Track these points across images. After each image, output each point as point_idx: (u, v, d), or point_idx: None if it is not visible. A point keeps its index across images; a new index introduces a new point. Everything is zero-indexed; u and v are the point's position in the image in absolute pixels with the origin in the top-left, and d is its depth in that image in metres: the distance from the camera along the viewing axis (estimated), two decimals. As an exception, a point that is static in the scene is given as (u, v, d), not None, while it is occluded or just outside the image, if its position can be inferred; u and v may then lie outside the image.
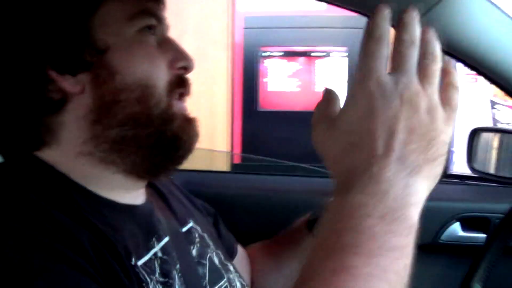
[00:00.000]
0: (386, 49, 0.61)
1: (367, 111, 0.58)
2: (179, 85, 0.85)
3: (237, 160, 4.66)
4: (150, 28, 0.82)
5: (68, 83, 0.76)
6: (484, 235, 1.61)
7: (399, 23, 0.66)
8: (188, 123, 0.87)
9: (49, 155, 0.79)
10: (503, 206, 1.40)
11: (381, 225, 0.54)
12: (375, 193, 0.56)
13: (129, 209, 0.85)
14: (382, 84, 0.58)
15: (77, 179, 0.79)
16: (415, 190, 0.57)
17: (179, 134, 0.84)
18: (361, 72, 0.60)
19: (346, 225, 0.55)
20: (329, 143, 0.62)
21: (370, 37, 0.63)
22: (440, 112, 0.59)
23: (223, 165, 3.62)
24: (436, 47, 0.64)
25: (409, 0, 1.11)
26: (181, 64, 0.85)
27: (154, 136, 0.81)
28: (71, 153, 0.79)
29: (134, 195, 0.88)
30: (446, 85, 0.63)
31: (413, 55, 0.61)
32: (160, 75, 0.81)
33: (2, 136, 0.82)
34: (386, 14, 0.66)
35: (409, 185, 0.57)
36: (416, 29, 0.64)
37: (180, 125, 0.84)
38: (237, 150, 4.71)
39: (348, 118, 0.60)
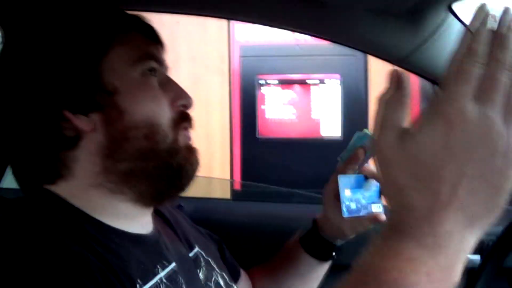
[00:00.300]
0: (480, 70, 0.52)
1: (443, 145, 0.52)
2: (183, 121, 0.92)
3: (237, 187, 4.68)
4: (152, 70, 0.90)
5: (81, 122, 0.83)
6: (478, 257, 1.59)
7: (493, 38, 0.53)
8: (191, 153, 0.93)
9: (62, 188, 0.85)
10: (497, 229, 1.41)
11: (424, 283, 0.51)
12: (429, 247, 0.52)
13: (137, 237, 0.90)
14: (466, 117, 0.51)
15: (87, 210, 0.84)
16: (468, 245, 0.53)
17: (183, 164, 0.90)
18: (446, 91, 0.53)
19: (389, 277, 0.51)
20: (393, 164, 0.56)
21: (467, 52, 0.53)
22: None
23: (223, 192, 3.63)
24: None
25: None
26: (181, 102, 0.92)
27: (161, 167, 0.87)
28: (83, 185, 0.85)
29: (142, 223, 0.93)
30: None
31: (505, 83, 0.52)
32: (163, 113, 0.88)
33: (20, 170, 0.88)
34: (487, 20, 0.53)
35: (464, 240, 0.52)
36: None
37: (184, 156, 0.91)
38: (237, 177, 4.72)
39: (420, 145, 0.54)
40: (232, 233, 1.75)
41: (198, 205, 1.84)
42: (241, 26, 4.77)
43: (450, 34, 1.21)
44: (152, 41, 0.93)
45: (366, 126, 3.74)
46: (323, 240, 1.20)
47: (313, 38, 1.38)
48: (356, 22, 1.23)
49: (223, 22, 4.74)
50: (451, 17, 1.19)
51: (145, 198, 0.89)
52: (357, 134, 1.13)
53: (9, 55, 0.85)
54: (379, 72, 4.61)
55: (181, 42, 4.84)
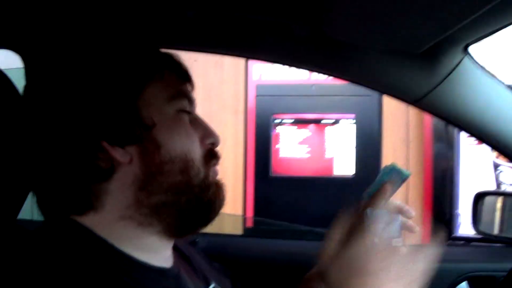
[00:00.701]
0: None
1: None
2: (212, 158, 0.95)
3: (249, 224, 4.67)
4: (184, 110, 0.93)
5: (118, 154, 0.84)
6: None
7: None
8: (220, 189, 0.96)
9: (89, 219, 0.86)
10: (508, 265, 1.44)
11: None
12: None
13: (160, 271, 0.91)
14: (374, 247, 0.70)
15: (113, 242, 0.85)
16: None
17: (213, 200, 0.93)
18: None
19: None
20: (330, 265, 0.80)
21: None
22: None
23: (236, 228, 3.63)
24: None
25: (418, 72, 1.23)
26: (210, 140, 0.96)
27: (193, 201, 0.90)
28: (112, 216, 0.86)
29: (164, 256, 0.95)
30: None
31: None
32: (196, 150, 0.91)
33: (48, 200, 0.89)
34: None
35: None
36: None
37: (214, 192, 0.94)
38: (250, 214, 4.72)
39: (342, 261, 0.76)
40: (245, 268, 1.76)
41: (211, 241, 1.85)
42: (257, 66, 4.81)
43: (466, 75, 1.23)
44: (183, 80, 0.97)
45: (378, 165, 3.72)
46: None
47: (328, 77, 1.40)
48: (373, 62, 1.26)
49: (240, 61, 4.79)
50: (467, 58, 1.22)
51: (172, 230, 0.91)
52: (384, 169, 1.14)
53: (53, 84, 0.86)
54: (392, 113, 4.64)
55: (198, 80, 4.86)
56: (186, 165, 0.88)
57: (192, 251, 1.16)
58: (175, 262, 0.98)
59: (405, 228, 1.09)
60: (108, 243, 0.85)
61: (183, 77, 0.97)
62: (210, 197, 0.92)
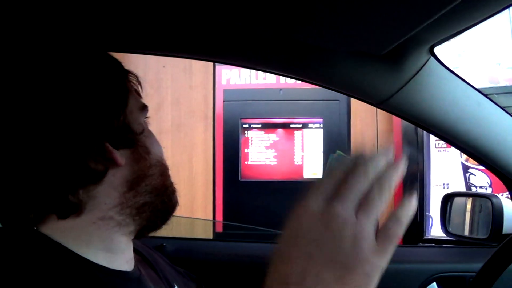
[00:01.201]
0: (333, 184, 0.65)
1: (290, 236, 0.63)
2: None
3: (219, 229, 4.67)
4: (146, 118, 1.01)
5: (118, 155, 0.87)
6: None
7: (359, 157, 0.70)
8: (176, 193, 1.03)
9: (56, 224, 0.86)
10: (477, 265, 1.44)
11: None
12: None
13: (122, 274, 0.92)
14: (310, 211, 0.62)
15: (77, 246, 0.85)
16: None
17: (174, 197, 1.01)
18: (304, 197, 0.65)
19: None
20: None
21: (328, 169, 0.70)
22: (369, 243, 0.61)
23: (206, 233, 3.63)
24: (391, 183, 0.67)
25: (381, 77, 1.23)
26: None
27: (166, 203, 0.97)
28: (89, 219, 0.87)
29: (126, 259, 0.96)
30: (392, 218, 0.65)
31: (359, 186, 0.64)
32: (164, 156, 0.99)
33: (29, 205, 0.86)
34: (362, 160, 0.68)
35: None
36: (374, 164, 0.68)
37: (175, 195, 1.01)
38: (220, 218, 4.71)
39: (281, 238, 0.64)
40: (213, 272, 1.75)
41: (180, 245, 1.84)
42: (225, 71, 4.81)
43: (432, 76, 1.23)
44: (140, 91, 1.01)
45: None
46: None
47: (296, 82, 1.40)
48: (336, 64, 1.25)
49: (208, 67, 4.80)
50: (432, 59, 1.22)
51: (142, 230, 0.96)
52: (330, 158, 1.14)
53: (58, 90, 0.85)
54: (361, 117, 4.67)
55: (167, 86, 4.88)
56: (164, 168, 0.97)
57: (156, 255, 1.17)
58: (136, 266, 0.99)
59: None
60: (66, 248, 0.85)
61: (140, 88, 1.01)
62: (176, 200, 1.01)
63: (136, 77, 0.99)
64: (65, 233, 0.85)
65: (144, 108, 0.97)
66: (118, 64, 0.96)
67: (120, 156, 0.88)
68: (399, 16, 0.92)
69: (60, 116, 0.83)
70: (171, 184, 1.00)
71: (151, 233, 1.01)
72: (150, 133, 0.97)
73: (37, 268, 0.78)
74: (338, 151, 1.12)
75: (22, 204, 0.85)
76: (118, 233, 0.91)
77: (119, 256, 0.93)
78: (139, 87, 1.00)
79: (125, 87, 0.93)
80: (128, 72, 0.98)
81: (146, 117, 1.00)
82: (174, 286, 1.09)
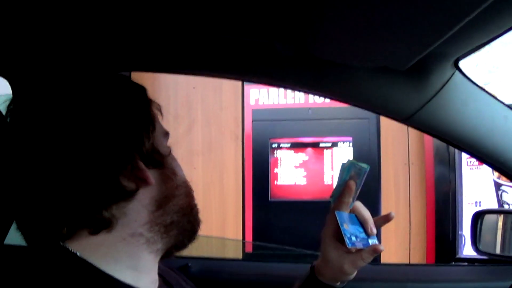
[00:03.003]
0: None
1: None
2: None
3: (249, 249, 4.66)
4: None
5: (149, 174, 0.90)
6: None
7: None
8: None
9: (78, 243, 0.87)
10: (508, 284, 1.43)
11: None
12: None
13: None
14: None
15: (105, 263, 0.87)
16: None
17: (200, 221, 1.03)
18: None
19: None
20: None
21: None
22: None
23: (236, 253, 3.62)
24: None
25: (408, 90, 1.22)
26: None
27: (192, 222, 1.00)
28: (120, 235, 0.90)
29: (152, 279, 0.98)
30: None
31: None
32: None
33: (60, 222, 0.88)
34: None
35: None
36: None
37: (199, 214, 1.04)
38: (249, 238, 4.70)
39: None
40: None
41: (205, 265, 1.84)
42: (254, 90, 4.83)
43: (457, 91, 1.22)
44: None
45: (378, 188, 3.71)
46: (323, 285, 1.20)
47: (325, 100, 1.41)
48: (359, 80, 1.25)
49: (237, 87, 4.82)
50: (457, 73, 1.21)
51: (170, 248, 0.99)
52: (343, 167, 1.15)
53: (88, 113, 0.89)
54: (392, 135, 4.64)
55: (196, 107, 4.91)
56: (188, 190, 1.01)
57: (179, 278, 1.18)
58: (160, 287, 1.01)
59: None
60: (94, 266, 0.86)
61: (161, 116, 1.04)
62: (199, 220, 1.03)
63: (159, 105, 1.02)
64: (94, 249, 0.87)
65: (167, 134, 1.01)
66: (144, 91, 0.99)
67: (151, 176, 0.91)
68: (419, 30, 0.92)
69: (97, 136, 0.86)
70: (195, 204, 1.03)
71: (178, 252, 1.03)
72: (174, 157, 1.01)
73: (65, 286, 0.80)
74: (349, 159, 1.14)
75: (56, 219, 0.87)
76: (146, 251, 0.93)
77: (145, 276, 0.94)
78: (161, 115, 1.02)
79: (151, 113, 0.96)
80: (151, 100, 1.00)
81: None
82: None
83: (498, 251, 1.80)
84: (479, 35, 1.01)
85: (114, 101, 0.91)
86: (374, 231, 1.15)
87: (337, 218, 1.12)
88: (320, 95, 1.42)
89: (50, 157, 0.85)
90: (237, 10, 1.11)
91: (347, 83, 1.27)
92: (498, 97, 1.27)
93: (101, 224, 0.87)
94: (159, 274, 1.04)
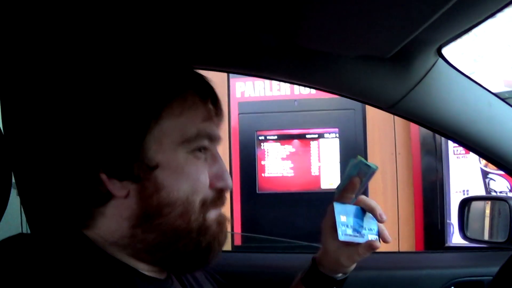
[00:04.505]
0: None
1: None
2: (216, 200, 0.91)
3: (238, 240, 4.66)
4: (201, 149, 0.89)
5: (114, 187, 0.82)
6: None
7: None
8: (220, 229, 0.92)
9: (92, 233, 0.86)
10: (496, 269, 1.44)
11: None
12: None
13: (156, 281, 0.91)
14: None
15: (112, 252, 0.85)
16: None
17: (212, 243, 0.90)
18: None
19: None
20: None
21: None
22: None
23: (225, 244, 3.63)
24: None
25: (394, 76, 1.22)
26: (221, 184, 0.91)
27: (190, 246, 0.87)
28: (108, 239, 0.85)
29: (158, 271, 0.93)
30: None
31: None
32: (200, 191, 0.87)
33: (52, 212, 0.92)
34: None
35: None
36: None
37: (212, 234, 0.90)
38: (237, 230, 4.70)
39: None
40: (232, 283, 1.74)
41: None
42: (239, 83, 4.82)
43: (440, 78, 1.23)
44: (215, 108, 0.93)
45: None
46: (323, 275, 1.20)
47: (311, 92, 1.41)
48: (343, 69, 1.25)
49: (222, 80, 4.81)
50: (441, 60, 1.21)
51: (166, 267, 0.92)
52: (351, 163, 1.14)
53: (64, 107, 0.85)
54: (378, 126, 4.65)
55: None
56: (186, 209, 0.85)
57: None
58: (169, 275, 0.97)
59: (380, 234, 1.12)
60: (106, 253, 0.84)
61: (214, 104, 0.92)
62: (208, 240, 0.89)
63: (205, 83, 0.92)
64: (101, 243, 0.86)
65: (194, 137, 0.86)
66: (164, 82, 0.86)
67: (121, 188, 0.83)
68: (401, 16, 0.92)
69: (62, 139, 0.84)
70: (202, 224, 0.88)
71: (191, 272, 1.01)
72: (180, 167, 0.85)
73: (77, 267, 0.78)
74: (358, 156, 1.13)
75: (53, 211, 0.91)
76: (135, 259, 0.87)
77: (149, 268, 0.90)
78: (216, 110, 0.92)
79: (150, 116, 0.83)
80: (185, 92, 0.87)
81: (203, 146, 0.89)
82: None
83: (486, 237, 1.81)
84: (461, 21, 1.01)
85: (82, 100, 0.84)
86: (384, 217, 1.12)
87: (334, 209, 1.11)
88: (304, 85, 1.41)
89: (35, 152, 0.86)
90: (220, 1, 1.10)
91: (331, 72, 1.26)
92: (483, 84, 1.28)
93: (79, 221, 0.86)
94: None
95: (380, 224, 1.14)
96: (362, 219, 1.13)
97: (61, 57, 1.15)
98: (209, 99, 0.91)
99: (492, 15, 0.99)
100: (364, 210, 1.14)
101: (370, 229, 1.13)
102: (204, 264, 0.92)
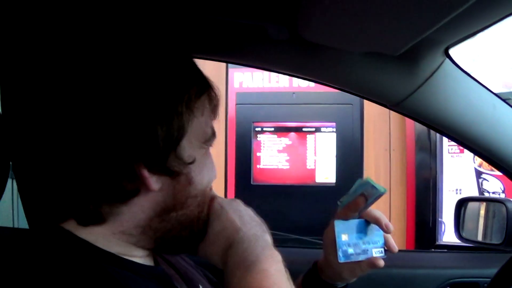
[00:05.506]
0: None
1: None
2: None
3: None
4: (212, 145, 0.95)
5: (152, 181, 0.83)
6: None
7: None
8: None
9: (78, 228, 0.86)
10: (491, 271, 1.44)
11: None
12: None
13: (150, 269, 0.94)
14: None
15: (104, 247, 0.86)
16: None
17: (204, 232, 0.97)
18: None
19: None
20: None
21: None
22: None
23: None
24: None
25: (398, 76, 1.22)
26: (214, 174, 0.98)
27: (194, 234, 0.94)
28: (110, 230, 0.87)
29: (149, 260, 0.97)
30: None
31: None
32: (211, 183, 0.97)
33: (55, 209, 0.89)
34: None
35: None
36: None
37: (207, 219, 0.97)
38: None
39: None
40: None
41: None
42: (238, 74, 4.81)
43: (447, 78, 1.22)
44: (215, 115, 0.95)
45: (360, 173, 3.73)
46: (324, 283, 1.20)
47: (309, 85, 1.40)
48: (350, 65, 1.25)
49: (220, 69, 4.79)
50: (447, 61, 1.21)
51: (159, 251, 0.97)
52: (359, 181, 1.13)
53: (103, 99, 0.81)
54: (374, 121, 4.65)
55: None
56: (203, 200, 0.93)
57: (178, 257, 1.15)
58: (158, 263, 1.00)
59: (386, 245, 1.11)
60: (97, 247, 0.85)
61: (215, 111, 0.95)
62: (203, 230, 0.96)
63: (216, 94, 0.93)
64: (87, 234, 0.86)
65: (210, 138, 0.92)
66: (190, 81, 0.88)
67: (155, 182, 0.84)
68: (414, 16, 0.91)
69: (96, 136, 0.80)
70: (204, 214, 0.96)
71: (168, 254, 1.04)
72: (204, 160, 0.92)
73: (59, 259, 0.79)
74: (367, 177, 1.11)
75: (51, 203, 0.90)
76: (135, 246, 0.90)
77: (136, 258, 0.92)
78: (217, 106, 0.95)
79: (186, 113, 0.85)
80: (206, 90, 0.91)
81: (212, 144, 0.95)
82: (199, 287, 1.08)
83: (480, 238, 1.82)
84: (472, 23, 1.01)
85: (127, 93, 0.81)
86: (390, 227, 1.12)
87: (335, 228, 1.11)
88: (308, 79, 1.41)
89: (48, 147, 0.83)
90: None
91: (338, 68, 1.26)
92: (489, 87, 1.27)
93: (89, 218, 0.85)
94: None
95: (386, 235, 1.14)
96: (365, 233, 1.12)
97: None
98: (216, 98, 0.94)
99: (502, 18, 0.99)
100: (368, 222, 1.13)
101: (375, 242, 1.12)
102: (192, 247, 0.97)
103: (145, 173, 0.82)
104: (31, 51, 1.23)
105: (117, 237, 0.87)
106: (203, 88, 0.90)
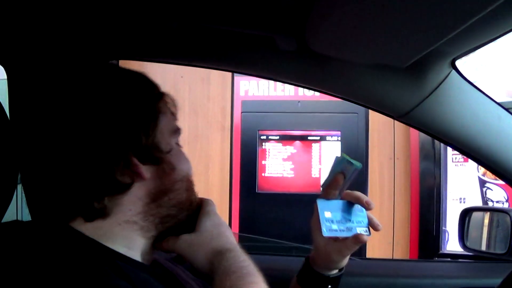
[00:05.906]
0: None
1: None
2: None
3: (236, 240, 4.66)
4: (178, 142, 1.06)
5: (143, 169, 0.94)
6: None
7: None
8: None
9: (80, 224, 0.93)
10: (496, 281, 1.44)
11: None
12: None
13: (150, 265, 1.02)
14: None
15: (106, 242, 0.93)
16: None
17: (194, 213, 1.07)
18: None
19: None
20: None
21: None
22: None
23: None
24: None
25: (403, 89, 1.23)
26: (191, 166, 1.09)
27: (190, 216, 1.04)
28: (115, 221, 0.95)
29: (144, 255, 1.01)
30: None
31: None
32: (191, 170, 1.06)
33: (59, 206, 0.96)
34: None
35: None
36: None
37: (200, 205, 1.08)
38: (236, 230, 4.70)
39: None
40: None
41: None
42: (243, 82, 4.82)
43: (453, 90, 1.23)
44: (175, 114, 1.06)
45: (364, 182, 3.71)
46: (317, 274, 1.21)
47: (314, 94, 1.41)
48: (357, 76, 1.26)
49: (226, 78, 4.81)
50: (453, 72, 1.22)
51: (161, 237, 1.02)
52: (335, 159, 1.16)
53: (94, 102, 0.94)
54: (379, 130, 4.65)
55: (183, 97, 4.89)
56: (189, 184, 1.04)
57: (178, 269, 1.17)
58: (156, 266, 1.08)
59: (370, 223, 1.15)
60: (101, 244, 0.92)
61: (175, 110, 1.06)
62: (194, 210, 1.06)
63: (173, 100, 1.05)
64: (94, 230, 0.93)
65: (176, 131, 1.03)
66: (153, 86, 1.03)
67: (145, 171, 0.95)
68: (422, 29, 0.93)
69: (91, 131, 0.91)
70: (195, 199, 1.06)
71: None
72: (179, 152, 1.03)
73: (65, 256, 0.84)
74: (343, 154, 1.15)
75: (56, 204, 0.96)
76: (140, 236, 0.98)
77: (145, 255, 1.00)
78: (176, 110, 1.05)
79: (155, 110, 0.98)
80: (163, 95, 1.03)
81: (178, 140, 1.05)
82: None
83: (483, 248, 1.82)
84: (479, 36, 1.02)
85: (112, 97, 0.95)
86: (371, 204, 1.14)
87: (318, 206, 1.13)
88: (315, 90, 1.42)
89: (47, 148, 0.94)
90: (238, 2, 1.11)
91: (345, 79, 1.27)
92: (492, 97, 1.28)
93: (94, 213, 0.93)
94: (159, 265, 1.08)
95: (369, 214, 1.16)
96: (349, 213, 1.14)
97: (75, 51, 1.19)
98: (172, 101, 1.06)
99: (507, 32, 1.00)
100: (351, 204, 1.15)
101: (359, 222, 1.14)
102: (190, 231, 1.03)
103: (136, 161, 0.93)
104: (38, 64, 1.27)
105: (123, 227, 0.95)
106: (159, 96, 1.02)
